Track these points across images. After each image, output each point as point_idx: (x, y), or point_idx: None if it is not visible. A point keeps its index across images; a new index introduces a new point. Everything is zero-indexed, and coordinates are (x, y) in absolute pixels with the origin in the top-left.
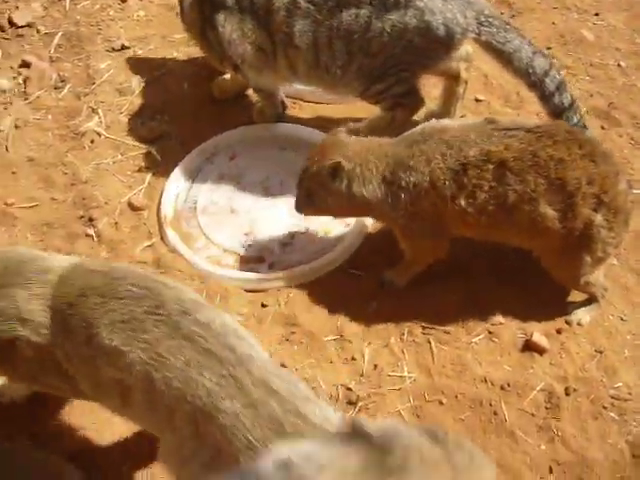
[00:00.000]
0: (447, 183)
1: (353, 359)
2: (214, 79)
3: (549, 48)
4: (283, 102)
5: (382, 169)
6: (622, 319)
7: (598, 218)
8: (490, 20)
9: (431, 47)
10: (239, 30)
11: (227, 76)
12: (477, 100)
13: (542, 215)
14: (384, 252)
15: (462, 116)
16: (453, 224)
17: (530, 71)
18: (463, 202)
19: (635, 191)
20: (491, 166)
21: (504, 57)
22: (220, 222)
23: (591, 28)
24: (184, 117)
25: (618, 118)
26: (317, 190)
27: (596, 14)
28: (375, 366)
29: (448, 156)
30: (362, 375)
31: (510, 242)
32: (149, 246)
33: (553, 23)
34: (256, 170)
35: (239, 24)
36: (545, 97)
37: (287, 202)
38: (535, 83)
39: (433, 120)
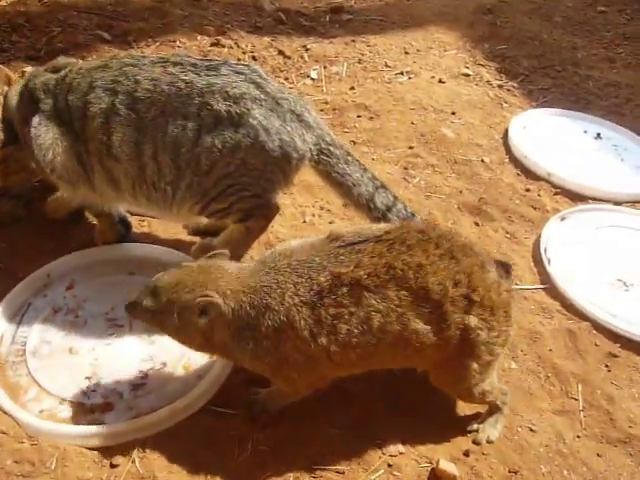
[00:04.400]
0: (304, 322)
1: None
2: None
3: (411, 147)
4: (124, 219)
5: (248, 309)
6: (531, 429)
7: (473, 320)
8: (331, 149)
9: (267, 169)
10: (51, 135)
11: None
12: (345, 205)
13: (414, 331)
14: (258, 381)
15: (330, 222)
16: (323, 366)
17: (371, 206)
18: (325, 340)
19: (516, 286)
20: (345, 289)
21: (343, 190)
22: (55, 366)
23: (450, 126)
24: (10, 242)
25: (490, 213)
26: (171, 320)
27: (453, 113)
28: None
29: (301, 287)
30: None
31: (389, 367)
32: None
33: (412, 123)
34: (99, 300)
35: (52, 128)
36: None
37: (137, 336)
38: (378, 219)
39: (278, 246)
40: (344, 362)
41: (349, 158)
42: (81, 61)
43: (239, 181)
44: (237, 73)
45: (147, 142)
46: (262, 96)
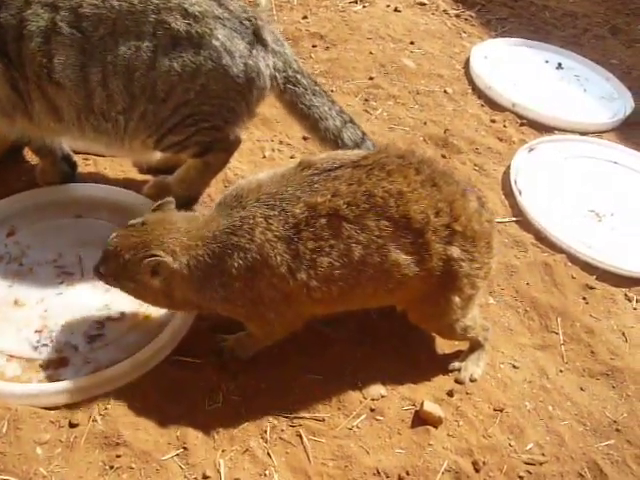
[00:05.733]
0: (280, 258)
1: (206, 477)
2: None
3: (371, 78)
4: (69, 157)
5: (208, 260)
6: (514, 366)
7: (456, 251)
8: (298, 77)
9: (229, 97)
10: None
11: None
12: (305, 138)
13: (395, 263)
14: (225, 327)
15: (291, 157)
16: (301, 303)
17: (339, 142)
18: (304, 276)
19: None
20: (323, 220)
21: (309, 122)
22: (0, 320)
23: (410, 56)
24: None
25: (457, 145)
26: (127, 284)
27: (411, 43)
28: None
29: (274, 220)
30: None
31: (369, 305)
32: None
33: (371, 53)
34: (44, 247)
35: None
36: None
37: (90, 283)
38: None
39: (242, 180)
40: (324, 298)
41: (317, 89)
42: None
43: (199, 110)
44: None
45: (95, 66)
46: (225, 14)
